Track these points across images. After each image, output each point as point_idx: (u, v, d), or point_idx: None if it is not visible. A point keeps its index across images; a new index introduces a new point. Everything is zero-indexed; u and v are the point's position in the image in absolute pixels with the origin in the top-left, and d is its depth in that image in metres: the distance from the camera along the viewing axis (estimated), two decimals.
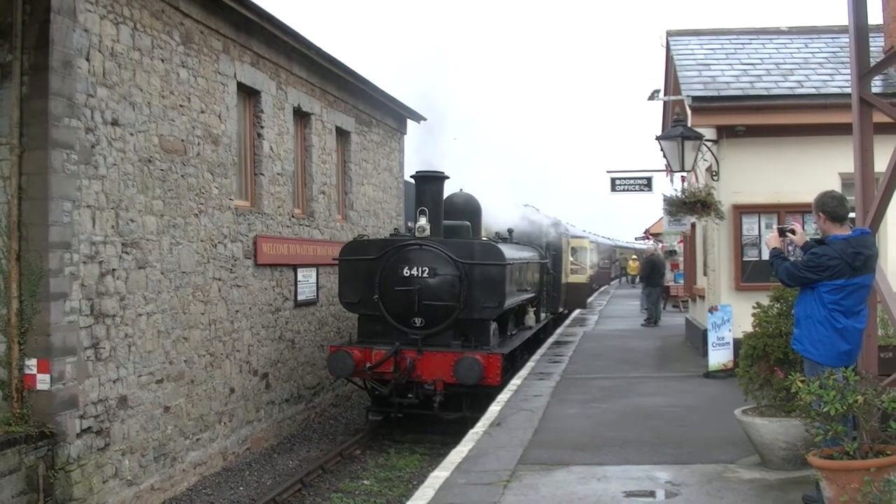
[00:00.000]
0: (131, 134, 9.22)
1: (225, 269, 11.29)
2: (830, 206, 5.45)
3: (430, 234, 11.74)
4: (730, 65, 12.19)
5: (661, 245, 29.95)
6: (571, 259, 23.07)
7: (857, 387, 4.76)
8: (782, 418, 6.21)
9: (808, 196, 5.82)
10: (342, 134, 16.06)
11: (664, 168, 14.88)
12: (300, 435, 13.24)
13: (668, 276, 28.14)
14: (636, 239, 50.85)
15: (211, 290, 10.93)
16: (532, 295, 15.43)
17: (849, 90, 6.21)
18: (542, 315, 16.93)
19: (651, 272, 21.00)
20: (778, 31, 13.72)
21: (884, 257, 10.19)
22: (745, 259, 11.25)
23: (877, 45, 7.77)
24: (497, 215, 16.48)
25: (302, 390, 13.89)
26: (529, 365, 13.14)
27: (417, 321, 11.55)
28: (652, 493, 6.11)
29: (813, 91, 10.94)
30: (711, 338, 11.01)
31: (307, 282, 14.06)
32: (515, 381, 11.38)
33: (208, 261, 10.84)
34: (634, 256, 22.59)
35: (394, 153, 19.20)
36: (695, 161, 11.81)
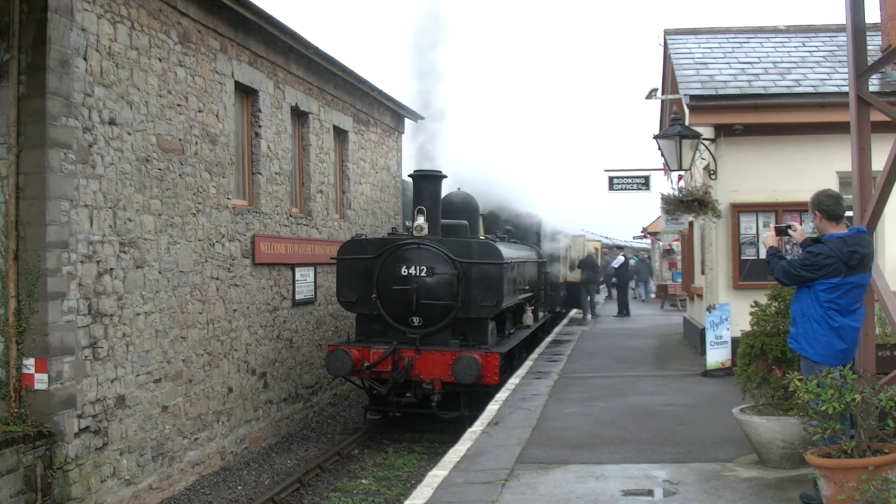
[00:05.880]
0: (129, 133, 9.21)
1: (223, 269, 11.28)
2: (826, 205, 5.46)
3: (428, 234, 11.73)
4: (727, 63, 12.20)
5: (660, 244, 31.45)
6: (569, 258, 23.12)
7: (854, 385, 4.77)
8: (780, 417, 6.22)
9: (806, 195, 5.82)
10: (340, 133, 16.05)
11: (662, 167, 14.89)
12: (298, 434, 13.23)
13: (667, 274, 28.99)
14: (634, 238, 50.90)
15: (209, 290, 10.92)
16: (530, 294, 15.43)
17: (846, 89, 6.20)
18: (540, 314, 16.94)
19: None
20: (775, 30, 13.74)
21: (882, 256, 10.22)
22: (743, 258, 11.26)
23: (874, 43, 7.79)
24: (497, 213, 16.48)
25: (300, 389, 13.88)
26: (527, 364, 13.15)
27: (415, 320, 11.55)
28: (650, 492, 6.12)
29: (810, 90, 10.94)
30: (709, 336, 11.02)
31: (305, 281, 14.05)
32: (514, 380, 11.39)
33: (206, 260, 10.84)
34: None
35: (391, 152, 19.20)
36: (692, 160, 11.82)
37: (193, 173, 10.55)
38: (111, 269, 8.89)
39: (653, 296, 28.65)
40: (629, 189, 17.49)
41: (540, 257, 16.93)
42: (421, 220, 11.70)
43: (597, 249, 28.60)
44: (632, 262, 27.75)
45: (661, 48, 14.66)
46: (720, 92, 11.07)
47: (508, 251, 12.84)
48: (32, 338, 7.95)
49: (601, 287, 25.50)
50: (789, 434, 6.10)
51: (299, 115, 14.20)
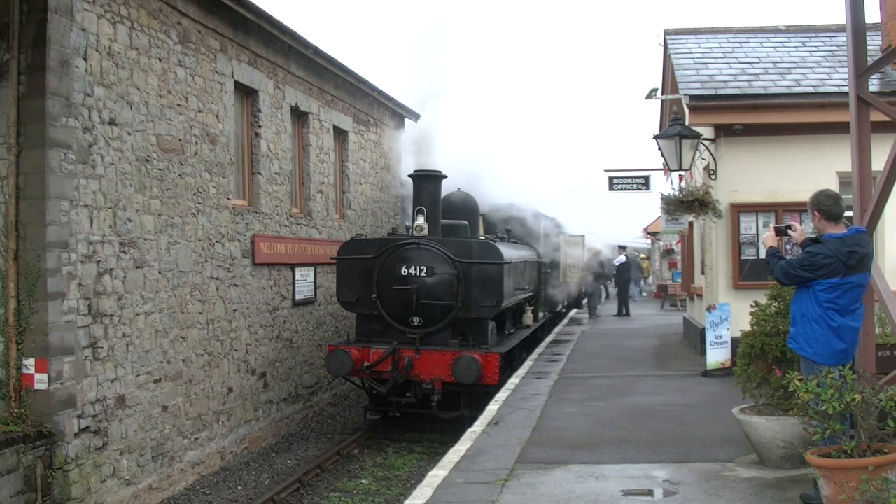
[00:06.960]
0: (129, 133, 9.21)
1: (223, 269, 11.29)
2: (825, 205, 5.46)
3: (428, 234, 11.73)
4: (727, 63, 12.19)
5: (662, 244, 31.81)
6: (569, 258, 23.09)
7: (854, 385, 4.77)
8: (780, 417, 6.22)
9: (806, 195, 5.82)
10: (340, 133, 16.05)
11: (662, 167, 14.89)
12: (298, 434, 13.23)
13: (667, 274, 29.16)
14: (634, 238, 50.87)
15: (209, 290, 10.92)
16: (530, 294, 15.43)
17: (846, 89, 6.20)
18: (540, 314, 16.93)
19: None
20: (775, 30, 13.73)
21: (882, 256, 10.22)
22: (743, 258, 11.26)
23: (874, 43, 7.78)
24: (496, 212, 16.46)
25: (300, 389, 13.88)
26: (527, 364, 13.14)
27: (415, 320, 11.55)
28: (650, 492, 6.11)
29: (810, 90, 10.94)
30: (709, 336, 11.01)
31: (305, 281, 14.05)
32: (513, 380, 11.38)
33: (206, 260, 10.84)
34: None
35: (391, 152, 19.19)
36: (692, 160, 11.81)
37: (193, 173, 10.55)
38: (111, 269, 8.89)
39: (644, 294, 28.86)
40: (629, 189, 17.46)
41: (540, 257, 16.93)
42: (421, 220, 11.70)
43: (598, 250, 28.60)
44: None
45: (661, 48, 14.66)
46: (720, 92, 11.07)
47: (508, 251, 12.83)
48: (32, 338, 7.95)
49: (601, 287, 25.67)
50: (789, 434, 6.10)
51: (299, 115, 14.20)
